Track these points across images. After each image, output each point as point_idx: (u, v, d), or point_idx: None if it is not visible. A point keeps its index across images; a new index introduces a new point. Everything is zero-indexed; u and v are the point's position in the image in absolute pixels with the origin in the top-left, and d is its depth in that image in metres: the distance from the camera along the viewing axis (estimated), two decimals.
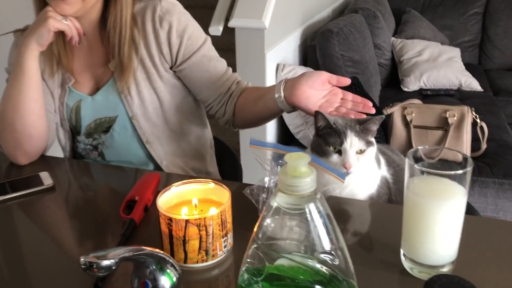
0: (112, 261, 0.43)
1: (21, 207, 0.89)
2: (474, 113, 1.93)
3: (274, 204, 0.41)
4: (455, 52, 3.02)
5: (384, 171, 0.92)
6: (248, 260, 0.44)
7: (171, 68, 1.11)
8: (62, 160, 1.13)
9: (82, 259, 0.45)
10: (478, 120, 1.93)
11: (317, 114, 0.85)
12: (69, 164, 1.13)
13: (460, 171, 0.60)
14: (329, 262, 0.42)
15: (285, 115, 2.15)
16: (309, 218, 0.40)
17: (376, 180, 0.90)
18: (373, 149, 0.85)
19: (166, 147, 1.14)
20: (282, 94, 0.97)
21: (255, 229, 0.43)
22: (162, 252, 0.48)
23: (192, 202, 0.72)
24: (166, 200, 0.71)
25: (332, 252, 0.41)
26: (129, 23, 1.04)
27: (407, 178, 0.64)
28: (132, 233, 0.77)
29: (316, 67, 2.37)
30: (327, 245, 0.41)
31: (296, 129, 2.11)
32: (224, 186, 0.72)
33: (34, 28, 0.99)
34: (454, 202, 0.61)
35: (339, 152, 0.83)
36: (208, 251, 0.67)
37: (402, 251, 0.67)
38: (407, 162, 0.63)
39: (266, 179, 0.78)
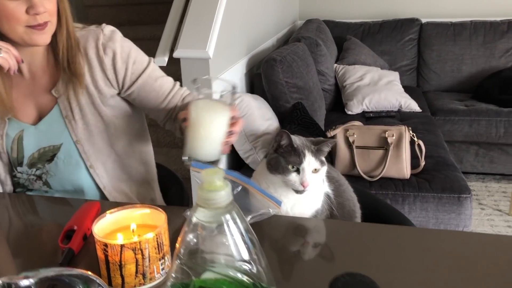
0: (31, 280, 0.44)
1: None
2: (411, 132, 2.04)
3: (194, 219, 0.44)
4: (394, 76, 3.19)
5: (326, 187, 0.98)
6: (173, 275, 0.46)
7: (119, 93, 1.14)
8: (1, 195, 1.11)
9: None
10: (415, 139, 2.04)
11: (282, 133, 0.91)
12: (7, 199, 1.10)
13: (223, 93, 0.85)
14: (249, 271, 0.44)
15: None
16: (226, 230, 0.43)
17: (321, 196, 0.95)
18: (325, 168, 0.92)
19: (111, 171, 1.16)
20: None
21: (177, 245, 0.45)
22: (89, 272, 0.49)
23: (130, 228, 0.73)
24: (102, 228, 0.72)
25: (251, 262, 0.44)
26: (75, 39, 1.07)
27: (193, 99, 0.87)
28: (70, 262, 0.77)
29: (263, 94, 2.44)
30: (245, 255, 0.44)
31: (245, 154, 2.15)
32: (160, 209, 0.73)
33: None
34: (220, 113, 0.85)
35: (297, 171, 0.88)
36: (145, 274, 0.68)
37: (186, 156, 0.87)
38: (193, 89, 0.84)
39: None
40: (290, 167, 0.89)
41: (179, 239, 0.45)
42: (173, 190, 1.41)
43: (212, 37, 1.92)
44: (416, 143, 2.05)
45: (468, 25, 3.49)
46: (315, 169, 0.89)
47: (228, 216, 0.43)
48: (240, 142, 2.15)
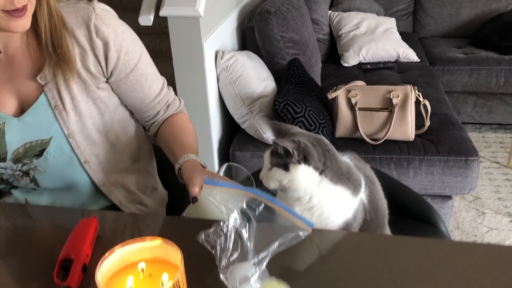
0: None
1: None
2: (417, 91, 1.92)
3: None
4: (391, 23, 3.02)
5: (362, 194, 0.86)
6: None
7: (106, 81, 1.01)
8: None
9: None
10: (421, 99, 1.93)
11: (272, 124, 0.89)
12: None
13: None
14: None
15: (228, 104, 2.05)
16: None
17: (350, 205, 0.84)
18: (278, 171, 0.80)
19: (106, 164, 1.04)
20: (177, 167, 0.99)
21: None
22: None
23: (139, 267, 0.62)
24: (107, 269, 0.61)
25: None
26: (59, 15, 0.91)
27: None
28: None
29: (256, 49, 2.27)
30: None
31: (241, 119, 2.02)
32: (174, 244, 0.62)
33: None
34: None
35: None
36: None
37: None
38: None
39: (222, 222, 0.69)
40: None
41: None
42: (173, 174, 1.29)
43: None
44: (422, 103, 1.94)
45: None
46: (268, 168, 0.81)
47: None
48: (235, 106, 2.01)
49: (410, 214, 1.14)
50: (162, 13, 1.73)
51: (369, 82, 2.52)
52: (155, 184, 1.16)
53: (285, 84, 2.09)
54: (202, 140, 1.98)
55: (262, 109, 1.98)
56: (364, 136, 1.94)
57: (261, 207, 0.70)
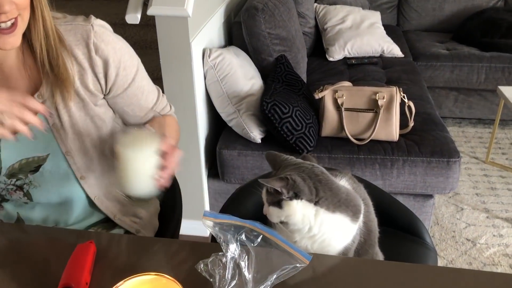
0: None
1: None
2: (402, 93, 1.95)
3: None
4: (376, 17, 3.03)
5: (360, 221, 0.88)
6: None
7: (103, 97, 1.01)
8: None
9: None
10: (405, 100, 1.96)
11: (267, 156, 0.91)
12: None
13: None
14: None
15: (215, 102, 2.04)
16: None
17: (350, 231, 0.86)
18: (275, 210, 0.82)
19: (101, 178, 1.04)
20: None
21: None
22: None
23: None
24: None
25: None
26: (56, 33, 0.89)
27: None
28: None
29: (242, 44, 2.26)
30: None
31: (228, 117, 2.02)
32: (177, 282, 0.63)
33: None
34: (144, 149, 0.85)
35: None
36: None
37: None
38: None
39: (221, 253, 0.71)
40: None
41: None
42: None
43: None
44: (407, 104, 1.97)
45: None
46: (267, 206, 0.85)
47: None
48: (222, 105, 2.01)
49: (398, 225, 1.18)
50: (150, 12, 1.70)
51: (353, 78, 2.55)
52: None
53: (272, 82, 2.09)
54: (189, 138, 1.98)
55: (249, 107, 1.99)
56: (350, 136, 1.97)
57: (259, 239, 0.71)
